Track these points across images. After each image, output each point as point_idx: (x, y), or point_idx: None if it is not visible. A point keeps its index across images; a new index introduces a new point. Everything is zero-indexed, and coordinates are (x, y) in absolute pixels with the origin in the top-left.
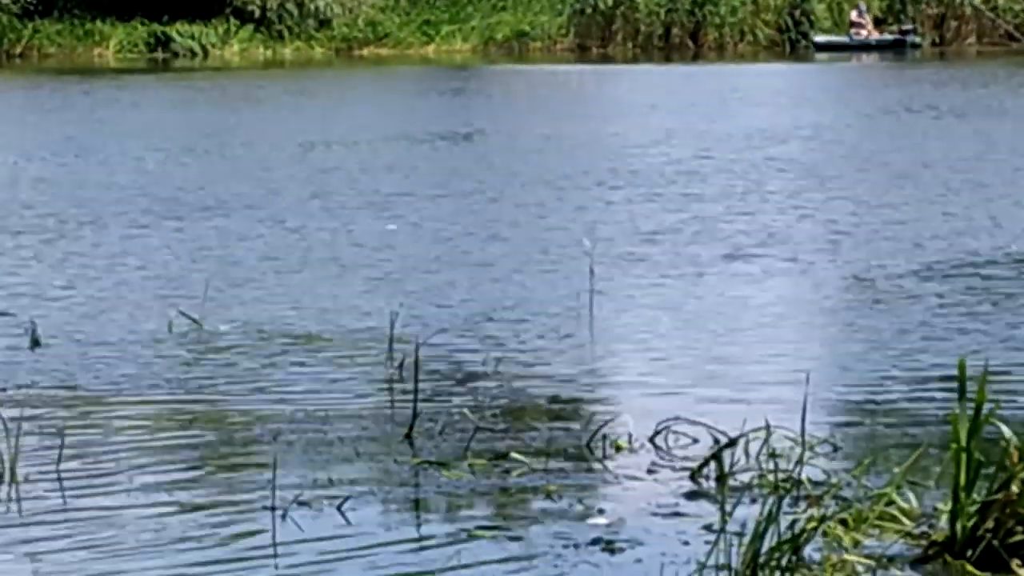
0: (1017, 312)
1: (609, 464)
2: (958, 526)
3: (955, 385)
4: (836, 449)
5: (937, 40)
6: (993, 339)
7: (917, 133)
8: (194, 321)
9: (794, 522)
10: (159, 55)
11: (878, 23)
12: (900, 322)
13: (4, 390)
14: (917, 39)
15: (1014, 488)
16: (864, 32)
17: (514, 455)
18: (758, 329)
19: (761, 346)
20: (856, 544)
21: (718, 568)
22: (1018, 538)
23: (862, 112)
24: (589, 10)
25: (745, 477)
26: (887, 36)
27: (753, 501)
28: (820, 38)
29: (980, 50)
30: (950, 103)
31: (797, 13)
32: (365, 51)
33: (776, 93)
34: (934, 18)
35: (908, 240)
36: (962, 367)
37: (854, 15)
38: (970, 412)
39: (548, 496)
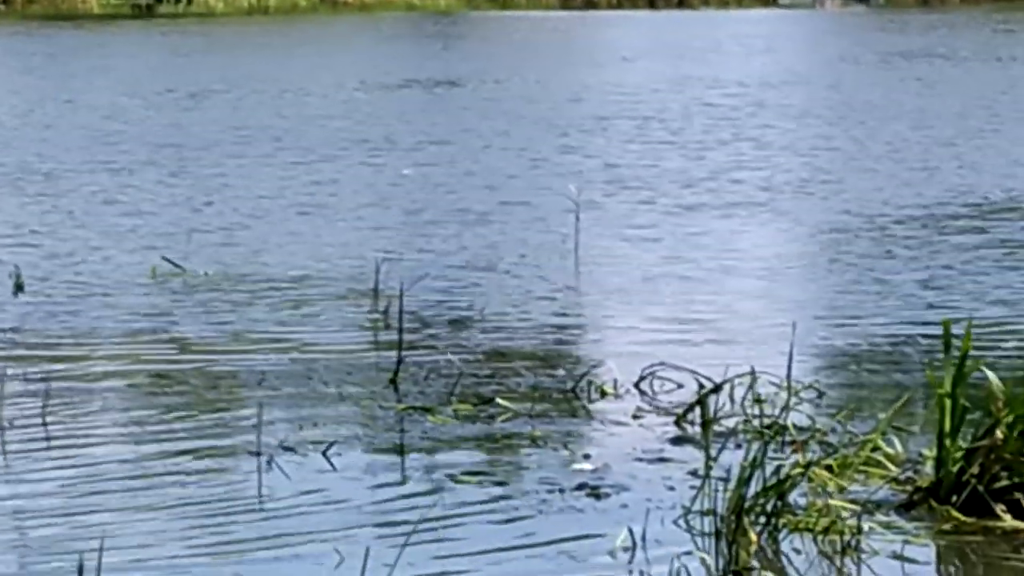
0: (1003, 260)
1: (594, 410)
2: (943, 472)
3: (941, 331)
4: (821, 395)
5: None
6: (980, 287)
7: (898, 80)
8: (177, 266)
9: (779, 467)
10: (143, 1)
11: None
12: (887, 269)
13: None
14: None
15: (999, 434)
16: None
17: (499, 401)
18: (744, 276)
19: (747, 293)
20: (841, 490)
21: (703, 513)
22: (1003, 483)
23: (850, 58)
24: None
25: (730, 423)
26: None
27: (738, 447)
28: None
29: None
30: (920, 47)
31: None
32: None
33: (764, 39)
34: None
35: (894, 188)
36: (947, 327)
37: None
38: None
39: (533, 442)
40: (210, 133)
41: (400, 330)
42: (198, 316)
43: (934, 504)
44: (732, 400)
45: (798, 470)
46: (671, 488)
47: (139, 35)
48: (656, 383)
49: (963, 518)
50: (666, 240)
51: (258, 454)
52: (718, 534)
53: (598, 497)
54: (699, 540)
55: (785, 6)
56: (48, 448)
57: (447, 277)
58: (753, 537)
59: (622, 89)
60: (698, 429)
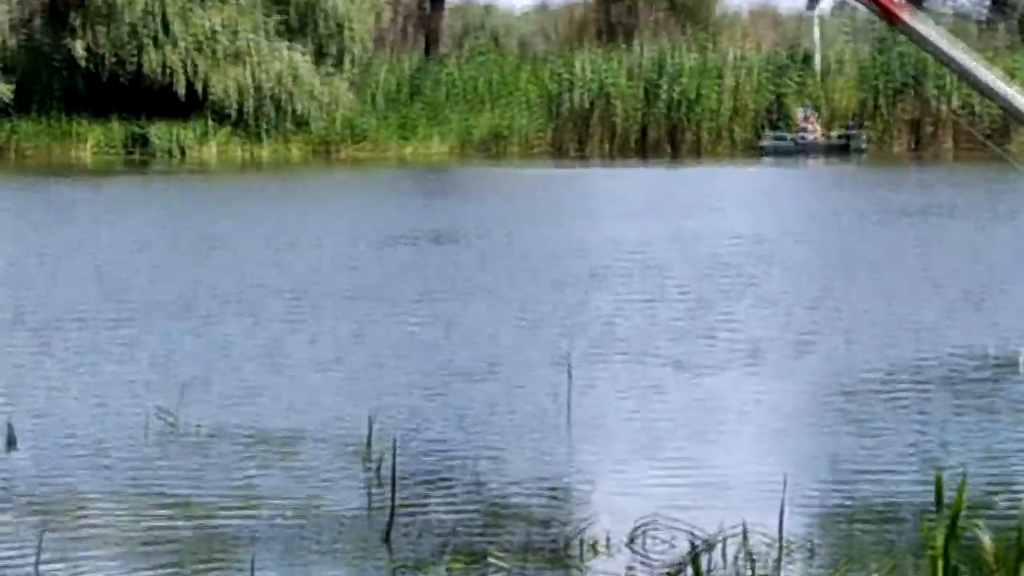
0: (991, 413)
1: (587, 567)
2: None
3: (933, 486)
4: (813, 552)
5: (913, 144)
6: (972, 442)
7: (882, 234)
8: (170, 421)
9: None
10: (136, 154)
11: (861, 126)
12: (879, 424)
13: None
14: (862, 143)
15: None
16: (810, 136)
17: (492, 558)
18: (736, 429)
19: (739, 446)
20: None
21: None
22: None
23: (845, 213)
24: (566, 111)
25: None
26: (832, 138)
27: None
28: (766, 141)
29: (957, 154)
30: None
31: (775, 117)
32: (343, 151)
33: (755, 194)
34: (910, 121)
35: (889, 344)
36: (939, 482)
37: (800, 117)
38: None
39: None
40: (204, 287)
41: (393, 487)
42: (191, 472)
43: None
44: (724, 557)
45: None
46: None
47: (134, 189)
48: (648, 540)
49: None
50: (659, 396)
51: None
52: None
53: None
54: None
55: (770, 164)
56: None
57: (440, 433)
58: None
59: (616, 244)
60: None
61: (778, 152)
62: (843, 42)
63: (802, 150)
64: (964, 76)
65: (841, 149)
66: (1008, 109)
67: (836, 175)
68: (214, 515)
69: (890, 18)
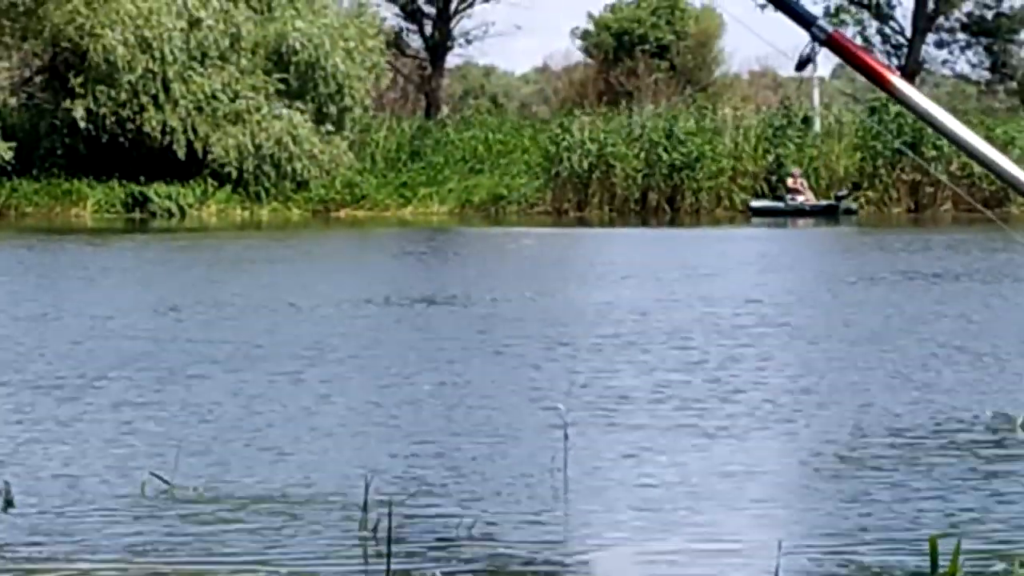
0: (988, 477)
1: None
2: None
3: (928, 551)
4: None
5: (912, 206)
6: (968, 506)
7: (873, 297)
8: (165, 483)
9: None
10: (136, 215)
11: (856, 188)
12: (872, 488)
13: None
14: (852, 205)
15: None
16: (800, 197)
17: None
18: (731, 494)
19: (734, 511)
20: None
21: None
22: None
23: (841, 277)
24: (565, 173)
25: None
26: (821, 202)
27: None
28: (756, 203)
29: (956, 216)
30: (916, 268)
31: (774, 179)
32: (342, 212)
33: (755, 257)
34: (909, 183)
35: (879, 404)
36: (933, 545)
37: (790, 181)
38: None
39: None
40: (203, 347)
41: (388, 553)
42: (186, 536)
43: None
44: None
45: None
46: None
47: (132, 250)
48: None
49: None
50: (655, 461)
51: None
52: None
53: None
54: None
55: (760, 225)
56: None
57: (436, 495)
58: None
59: (615, 307)
60: None
61: (768, 214)
62: (843, 104)
63: (791, 213)
64: (955, 142)
65: (829, 211)
66: (1002, 177)
67: (832, 238)
68: None
69: (881, 82)
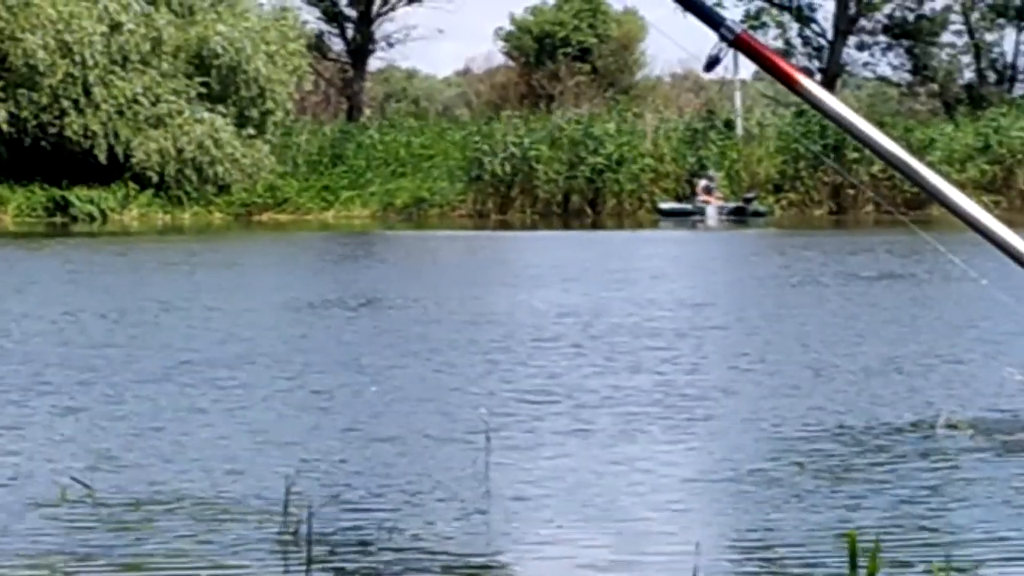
0: (907, 478)
1: None
2: None
3: (847, 553)
4: None
5: (834, 208)
6: (894, 505)
7: (789, 298)
8: (86, 487)
9: None
10: (58, 219)
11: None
12: (792, 489)
13: None
14: (761, 207)
15: None
16: (710, 199)
17: None
18: (654, 496)
19: (656, 513)
20: None
21: None
22: None
23: (772, 279)
24: (487, 176)
25: None
26: (729, 204)
27: None
28: (664, 205)
29: (878, 218)
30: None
31: (695, 181)
32: (264, 216)
33: (672, 260)
34: (830, 186)
35: (800, 406)
36: (852, 540)
37: (702, 184)
38: None
39: None
40: (123, 352)
41: (309, 557)
42: (107, 538)
43: None
44: None
45: None
46: None
47: (54, 253)
48: None
49: None
50: (577, 463)
51: None
52: None
53: None
54: None
55: (668, 226)
56: None
57: (357, 498)
58: None
59: (538, 310)
60: None
61: (676, 215)
62: (764, 106)
63: (698, 214)
64: (867, 144)
65: (737, 213)
66: (912, 178)
67: (751, 240)
68: None
69: (790, 83)
